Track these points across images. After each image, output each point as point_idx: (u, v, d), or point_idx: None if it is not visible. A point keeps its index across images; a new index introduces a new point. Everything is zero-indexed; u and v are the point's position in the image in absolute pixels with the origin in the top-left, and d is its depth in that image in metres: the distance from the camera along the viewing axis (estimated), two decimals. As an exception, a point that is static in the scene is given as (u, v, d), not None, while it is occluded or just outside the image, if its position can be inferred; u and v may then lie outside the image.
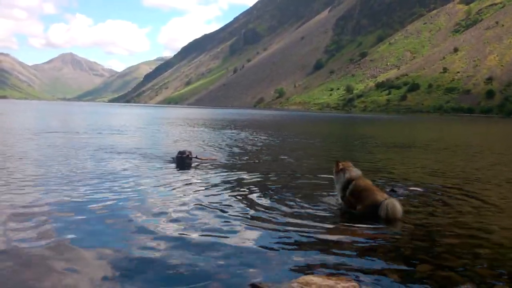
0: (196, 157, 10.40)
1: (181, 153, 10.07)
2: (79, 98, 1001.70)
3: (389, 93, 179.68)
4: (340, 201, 6.07)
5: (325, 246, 4.53)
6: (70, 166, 9.46)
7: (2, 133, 19.19)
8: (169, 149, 13.07)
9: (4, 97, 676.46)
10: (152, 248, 4.32)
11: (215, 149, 14.41)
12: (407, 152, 16.68)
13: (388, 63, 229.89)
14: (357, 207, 5.69)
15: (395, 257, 4.31)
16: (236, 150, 14.49)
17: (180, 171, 9.29)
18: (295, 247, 4.51)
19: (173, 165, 9.99)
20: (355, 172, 6.00)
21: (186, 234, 4.75)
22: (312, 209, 6.00)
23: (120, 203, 6.09)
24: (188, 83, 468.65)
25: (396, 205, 5.45)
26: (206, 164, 10.22)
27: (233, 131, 26.01)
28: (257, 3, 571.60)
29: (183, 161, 9.87)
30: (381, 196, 5.64)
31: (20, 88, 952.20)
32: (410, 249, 4.56)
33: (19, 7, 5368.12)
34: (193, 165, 10.02)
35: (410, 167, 11.74)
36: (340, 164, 6.14)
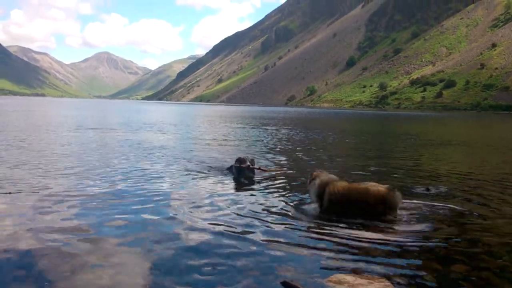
0: (259, 169, 8.55)
1: (240, 161, 8.23)
2: (114, 96, 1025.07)
3: (424, 90, 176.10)
4: (318, 209, 5.91)
5: (357, 245, 4.50)
6: (124, 165, 9.69)
7: (46, 129, 20.76)
8: (220, 153, 12.35)
9: (42, 95, 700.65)
10: (185, 244, 4.41)
11: (270, 151, 14.32)
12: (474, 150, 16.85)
13: (423, 60, 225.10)
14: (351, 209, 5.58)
15: (429, 257, 4.25)
16: (289, 149, 14.91)
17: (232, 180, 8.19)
18: (327, 245, 4.50)
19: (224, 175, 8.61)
20: (327, 177, 5.95)
21: (220, 231, 4.86)
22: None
23: (157, 203, 6.16)
24: (219, 81, 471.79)
25: (397, 193, 5.54)
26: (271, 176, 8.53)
27: (274, 128, 26.99)
28: (289, 0, 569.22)
29: (242, 173, 8.20)
30: (375, 186, 5.61)
31: (58, 87, 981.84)
32: (445, 249, 4.48)
33: (57, 8, 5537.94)
34: (256, 178, 8.31)
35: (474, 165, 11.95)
36: (313, 174, 6.10)
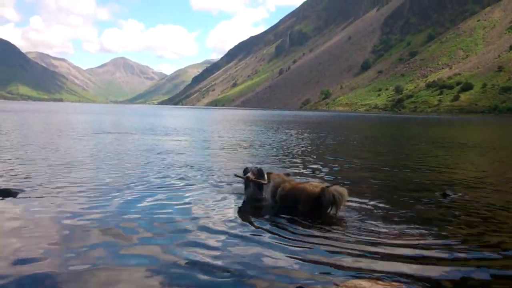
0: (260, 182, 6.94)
1: (244, 171, 7.09)
2: (131, 101, 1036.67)
3: (440, 93, 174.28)
4: (271, 203, 6.46)
5: (375, 250, 4.45)
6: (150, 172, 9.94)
7: (66, 134, 21.12)
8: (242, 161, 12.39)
9: (60, 100, 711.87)
10: (199, 248, 4.45)
11: (292, 156, 14.26)
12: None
13: (440, 62, 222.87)
14: (298, 207, 5.94)
15: (448, 263, 4.18)
16: (309, 153, 14.92)
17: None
18: (344, 250, 4.46)
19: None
20: (278, 178, 6.51)
21: (234, 235, 4.91)
22: (365, 214, 5.98)
23: (176, 210, 6.08)
24: (234, 85, 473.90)
25: (340, 189, 5.75)
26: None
27: (293, 131, 26.97)
28: (303, 3, 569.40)
29: (247, 185, 6.99)
30: (314, 186, 6.01)
31: (75, 92, 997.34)
32: (464, 255, 4.40)
33: (75, 14, 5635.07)
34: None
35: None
36: (269, 175, 6.67)
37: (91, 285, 3.56)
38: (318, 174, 9.75)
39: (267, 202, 6.54)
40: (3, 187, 7.15)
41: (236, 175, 7.27)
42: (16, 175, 8.50)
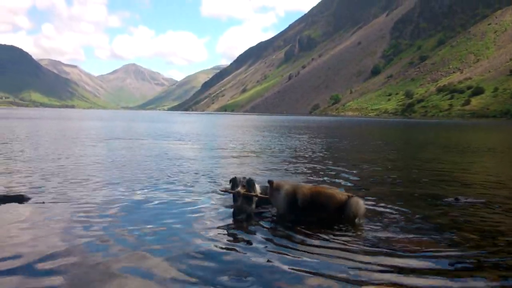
0: (258, 196, 6.35)
1: (232, 183, 6.43)
2: (141, 106, 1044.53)
3: (451, 98, 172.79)
4: (279, 214, 6.09)
5: (389, 256, 4.43)
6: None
7: (78, 140, 21.33)
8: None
9: (71, 106, 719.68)
10: (211, 255, 4.43)
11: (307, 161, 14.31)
12: None
13: (450, 67, 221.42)
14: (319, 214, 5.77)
15: (460, 268, 4.15)
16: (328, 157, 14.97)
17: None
18: (357, 257, 4.44)
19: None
20: (288, 185, 6.08)
21: (247, 241, 4.95)
22: (382, 221, 5.93)
23: (187, 214, 6.19)
24: (243, 91, 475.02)
25: (360, 202, 5.69)
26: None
27: (305, 136, 26.95)
28: (312, 9, 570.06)
29: (235, 199, 6.37)
30: (339, 193, 5.88)
31: (87, 98, 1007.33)
32: (477, 261, 4.34)
33: (86, 21, 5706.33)
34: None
35: None
36: (274, 183, 6.09)
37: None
38: (332, 179, 9.71)
39: (277, 211, 6.16)
40: (17, 193, 7.22)
41: (222, 190, 6.70)
42: (29, 181, 8.59)
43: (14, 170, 10.03)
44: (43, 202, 6.73)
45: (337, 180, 9.57)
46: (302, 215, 5.80)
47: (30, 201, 6.72)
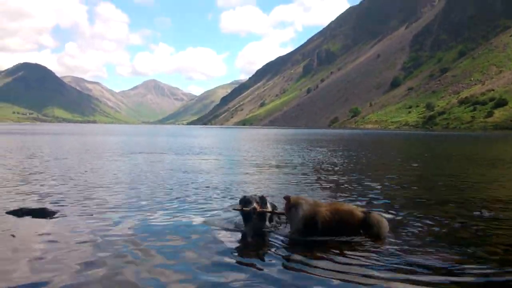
0: (273, 212, 6.17)
1: (244, 202, 5.98)
2: (161, 121, 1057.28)
3: (473, 110, 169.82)
4: (295, 235, 5.70)
5: (408, 269, 4.41)
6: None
7: (101, 155, 21.59)
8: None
9: (94, 122, 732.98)
10: (227, 268, 4.47)
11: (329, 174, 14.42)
12: None
13: (472, 78, 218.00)
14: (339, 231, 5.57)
15: (483, 284, 4.15)
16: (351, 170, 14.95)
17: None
18: (378, 268, 4.46)
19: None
20: (306, 204, 5.74)
21: (263, 254, 4.94)
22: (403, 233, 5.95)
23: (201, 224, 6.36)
24: (262, 105, 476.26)
25: (382, 220, 5.61)
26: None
27: (327, 149, 26.81)
28: (331, 23, 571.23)
29: (248, 219, 5.93)
30: (356, 209, 5.73)
31: (108, 114, 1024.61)
32: (494, 275, 4.30)
33: (109, 39, 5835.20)
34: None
35: None
36: (291, 199, 5.78)
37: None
38: (353, 191, 9.64)
39: (293, 229, 5.76)
40: (40, 206, 7.36)
41: (235, 209, 6.17)
42: (52, 195, 8.77)
43: (39, 184, 10.25)
44: (66, 216, 6.86)
45: (356, 193, 9.51)
46: (320, 236, 5.53)
47: (54, 216, 6.85)
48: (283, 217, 6.12)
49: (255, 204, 5.76)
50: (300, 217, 5.54)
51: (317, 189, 10.22)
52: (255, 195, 6.05)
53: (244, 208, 5.79)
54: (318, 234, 5.53)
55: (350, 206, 5.90)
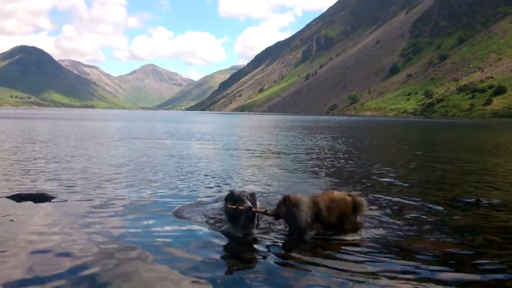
0: (265, 213, 5.32)
1: (233, 198, 5.21)
2: (159, 107, 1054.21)
3: (472, 97, 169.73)
4: (299, 233, 5.22)
5: (409, 259, 4.38)
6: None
7: (100, 140, 21.63)
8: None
9: (91, 106, 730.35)
10: (234, 262, 4.31)
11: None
12: None
13: (471, 66, 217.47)
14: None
15: (480, 270, 4.12)
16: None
17: None
18: (375, 256, 4.45)
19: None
20: (307, 198, 5.41)
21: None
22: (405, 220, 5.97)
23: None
24: (260, 91, 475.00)
25: (364, 201, 5.71)
26: None
27: (330, 137, 26.85)
28: (330, 8, 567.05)
29: (237, 220, 5.19)
30: (345, 195, 5.71)
31: (106, 99, 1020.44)
32: (501, 268, 4.23)
33: (106, 22, 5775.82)
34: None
35: None
36: (292, 199, 5.23)
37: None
38: (350, 179, 9.68)
39: (295, 229, 5.22)
40: (40, 191, 7.36)
41: (230, 207, 5.16)
42: (52, 180, 8.78)
43: (38, 169, 10.24)
44: (66, 200, 6.87)
45: (354, 179, 9.55)
46: (324, 228, 5.38)
47: (52, 200, 6.86)
48: (265, 218, 5.58)
49: (248, 202, 5.04)
50: (306, 211, 5.17)
51: (314, 177, 10.24)
52: (244, 191, 5.27)
53: (240, 207, 4.99)
54: (322, 226, 5.38)
55: (340, 192, 5.85)
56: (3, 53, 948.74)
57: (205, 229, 5.41)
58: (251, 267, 4.24)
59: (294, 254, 4.60)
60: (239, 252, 4.72)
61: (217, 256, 4.45)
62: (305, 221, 5.15)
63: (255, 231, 5.32)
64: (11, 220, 5.66)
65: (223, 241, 4.94)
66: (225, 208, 5.25)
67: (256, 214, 5.23)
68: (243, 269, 4.17)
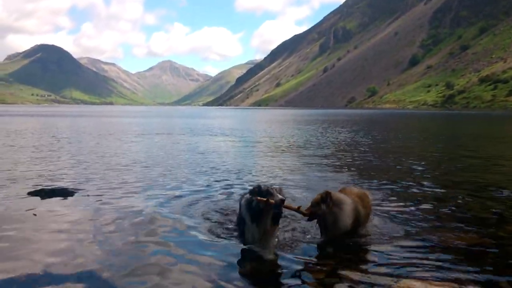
0: (299, 210, 4.57)
1: (260, 192, 4.40)
2: (177, 102, 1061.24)
3: (494, 88, 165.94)
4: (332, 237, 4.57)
5: (428, 250, 4.36)
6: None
7: (120, 136, 21.88)
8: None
9: (110, 103, 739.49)
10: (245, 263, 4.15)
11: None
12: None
13: (493, 56, 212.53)
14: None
15: (505, 264, 4.04)
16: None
17: None
18: (398, 249, 4.39)
19: None
20: (354, 194, 4.87)
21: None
22: (419, 211, 5.95)
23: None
24: (277, 85, 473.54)
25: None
26: None
27: (354, 130, 26.60)
28: (347, 0, 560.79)
29: (261, 215, 4.39)
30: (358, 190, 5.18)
31: (125, 95, 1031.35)
32: None
33: (124, 20, 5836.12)
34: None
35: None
36: (333, 196, 4.53)
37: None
38: (375, 171, 9.49)
39: (332, 232, 4.54)
40: (61, 186, 7.39)
41: (259, 199, 4.31)
42: (73, 175, 8.88)
43: (61, 165, 10.35)
44: (88, 196, 6.88)
45: (375, 172, 9.45)
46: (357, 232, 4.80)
47: (75, 195, 6.88)
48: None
49: (279, 195, 4.31)
50: (349, 214, 4.47)
51: (338, 171, 10.12)
52: (271, 185, 4.53)
53: (271, 200, 4.23)
54: (359, 226, 4.78)
55: (360, 189, 5.27)
56: (24, 52, 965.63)
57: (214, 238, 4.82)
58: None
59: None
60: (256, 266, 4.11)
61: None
62: (347, 225, 4.45)
63: (275, 240, 4.58)
64: (34, 215, 5.73)
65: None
66: (247, 205, 4.43)
67: (281, 214, 4.48)
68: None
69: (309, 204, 4.58)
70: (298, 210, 4.48)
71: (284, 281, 3.74)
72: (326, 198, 4.44)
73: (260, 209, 4.30)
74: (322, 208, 4.41)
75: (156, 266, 3.94)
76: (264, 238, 4.43)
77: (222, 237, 4.78)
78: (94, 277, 3.72)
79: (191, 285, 3.59)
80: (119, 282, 3.59)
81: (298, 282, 3.71)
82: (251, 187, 4.67)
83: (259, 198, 4.30)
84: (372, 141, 19.01)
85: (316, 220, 4.57)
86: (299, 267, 4.00)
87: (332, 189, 4.80)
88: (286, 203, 4.39)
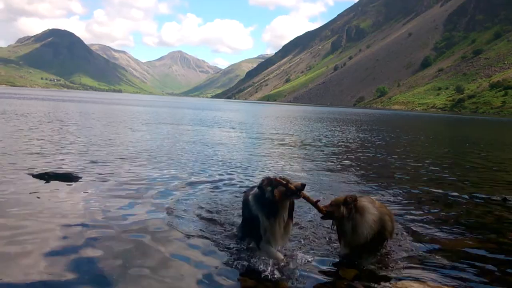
0: (316, 205, 4.10)
1: (271, 183, 3.84)
2: (186, 93, 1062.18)
3: (505, 95, 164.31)
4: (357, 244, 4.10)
5: (428, 252, 4.38)
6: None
7: (129, 124, 21.98)
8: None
9: (119, 91, 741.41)
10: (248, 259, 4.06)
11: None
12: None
13: (506, 62, 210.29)
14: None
15: (504, 270, 4.04)
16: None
17: None
18: (398, 249, 4.41)
19: None
20: (379, 205, 4.27)
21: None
22: (422, 215, 5.92)
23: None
24: (287, 81, 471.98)
25: None
26: None
27: (365, 129, 26.48)
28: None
29: (275, 207, 3.82)
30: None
31: (134, 83, 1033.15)
32: None
33: (137, 8, 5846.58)
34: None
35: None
36: (358, 202, 4.07)
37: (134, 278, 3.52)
38: (379, 175, 9.46)
39: (351, 243, 4.09)
40: (67, 171, 7.45)
41: (278, 180, 3.81)
42: (80, 161, 8.95)
43: (68, 150, 10.43)
44: (92, 181, 6.93)
45: (378, 175, 9.43)
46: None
47: (79, 180, 6.94)
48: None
49: (297, 182, 3.83)
50: (371, 225, 3.97)
51: (346, 171, 10.10)
52: (282, 177, 3.95)
53: (290, 185, 3.73)
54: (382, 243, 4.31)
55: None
56: (35, 35, 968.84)
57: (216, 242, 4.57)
58: None
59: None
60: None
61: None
62: (367, 236, 3.94)
63: (289, 244, 4.19)
64: (38, 198, 5.80)
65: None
66: (257, 199, 3.89)
67: (293, 209, 4.06)
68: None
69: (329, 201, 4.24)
70: (315, 204, 4.04)
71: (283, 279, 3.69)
72: (349, 202, 4.03)
73: (275, 201, 3.75)
74: (341, 211, 4.02)
75: (152, 259, 3.93)
76: (285, 235, 3.93)
77: (224, 235, 4.72)
78: (90, 264, 3.70)
79: (190, 281, 3.56)
80: (113, 272, 3.57)
81: (298, 282, 3.65)
82: (252, 185, 4.45)
83: (278, 178, 3.78)
84: (383, 141, 18.95)
85: (332, 222, 4.23)
86: (298, 266, 3.91)
87: (349, 192, 4.58)
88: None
